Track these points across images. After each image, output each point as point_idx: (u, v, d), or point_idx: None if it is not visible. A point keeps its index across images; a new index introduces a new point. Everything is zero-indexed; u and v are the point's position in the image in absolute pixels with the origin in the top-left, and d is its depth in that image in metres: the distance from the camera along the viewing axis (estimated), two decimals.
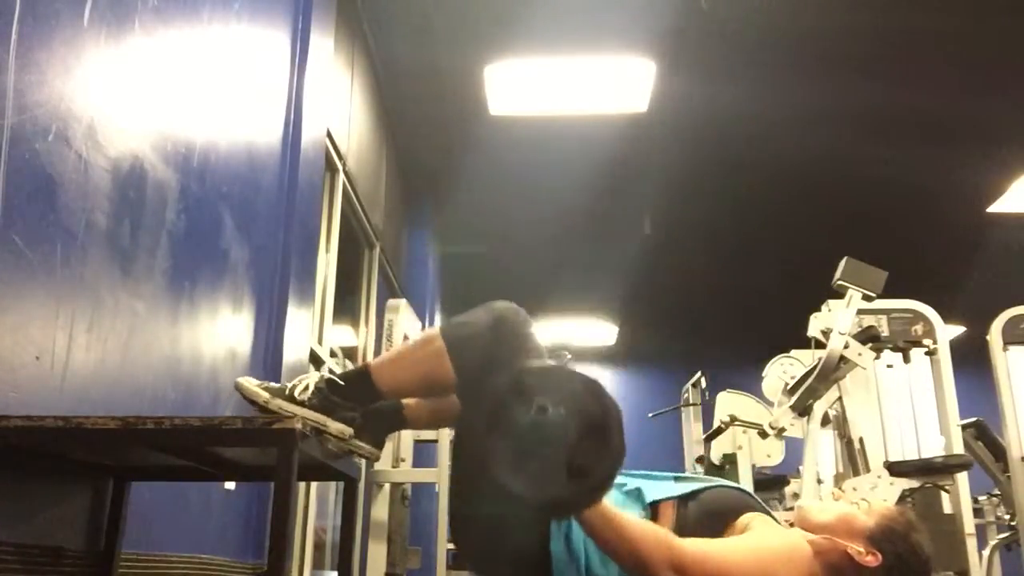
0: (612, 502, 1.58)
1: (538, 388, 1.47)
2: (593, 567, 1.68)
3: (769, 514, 1.74)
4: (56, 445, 1.62)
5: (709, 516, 1.70)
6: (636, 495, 1.75)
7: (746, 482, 4.71)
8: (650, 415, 6.86)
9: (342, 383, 1.78)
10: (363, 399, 1.81)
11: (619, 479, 1.59)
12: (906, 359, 4.38)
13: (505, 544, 1.72)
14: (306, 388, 1.76)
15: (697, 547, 1.56)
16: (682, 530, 1.64)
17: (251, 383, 1.79)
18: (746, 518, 1.69)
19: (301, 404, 1.75)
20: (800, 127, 5.66)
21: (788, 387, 4.06)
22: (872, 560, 1.62)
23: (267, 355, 2.96)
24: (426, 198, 6.86)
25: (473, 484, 1.69)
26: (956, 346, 4.51)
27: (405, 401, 1.95)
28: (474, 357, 1.70)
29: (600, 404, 1.48)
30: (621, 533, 1.53)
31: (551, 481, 1.43)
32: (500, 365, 1.63)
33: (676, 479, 1.82)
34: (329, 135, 3.93)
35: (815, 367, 3.77)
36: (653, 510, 1.73)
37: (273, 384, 1.80)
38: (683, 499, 1.74)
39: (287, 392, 1.76)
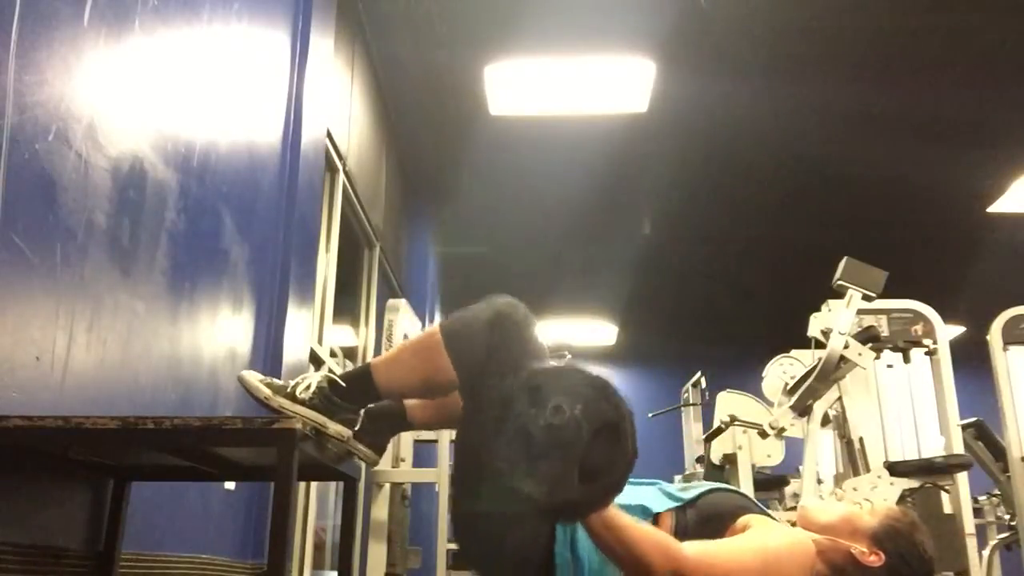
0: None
1: (551, 389, 1.45)
2: (595, 572, 1.68)
3: (767, 514, 1.74)
4: (56, 445, 1.62)
5: (708, 520, 1.70)
6: (639, 508, 1.73)
7: (746, 482, 4.71)
8: (650, 415, 6.85)
9: (344, 384, 1.77)
10: (365, 399, 1.81)
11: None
12: (906, 359, 4.38)
13: (509, 546, 1.71)
14: (308, 387, 1.75)
15: (699, 549, 1.56)
16: (683, 537, 1.64)
17: (254, 377, 1.77)
18: (744, 519, 1.69)
19: (303, 403, 1.74)
20: (800, 127, 5.66)
21: (788, 387, 4.06)
22: (875, 560, 1.62)
23: (267, 355, 2.96)
24: (426, 198, 6.86)
25: (478, 484, 1.67)
26: (956, 346, 4.51)
27: (407, 402, 1.94)
28: (474, 354, 1.67)
29: (614, 406, 1.46)
30: (623, 536, 1.53)
31: (562, 484, 1.42)
32: (501, 362, 1.61)
33: (665, 490, 1.80)
34: (329, 135, 3.93)
35: (815, 367, 3.77)
36: (653, 521, 1.72)
37: (276, 380, 1.79)
38: (681, 508, 1.74)
39: (289, 390, 1.75)
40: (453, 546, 4.71)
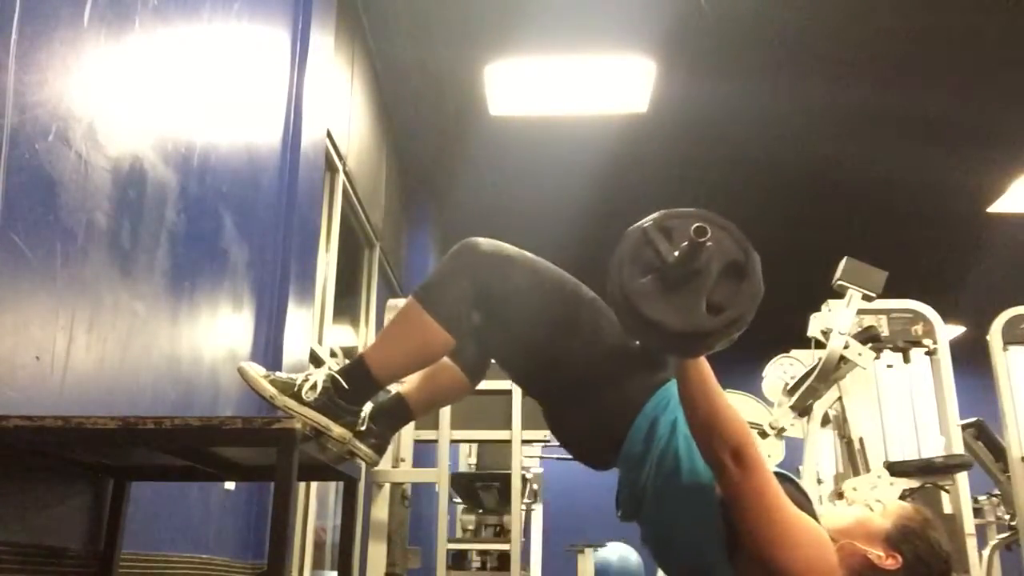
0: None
1: (681, 232, 1.47)
2: (653, 462, 1.69)
3: (814, 515, 1.72)
4: (56, 445, 1.62)
5: None
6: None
7: None
8: None
9: (347, 386, 1.75)
10: (366, 395, 1.79)
11: None
12: (906, 359, 4.38)
13: (598, 419, 1.75)
14: (313, 387, 1.73)
15: (763, 464, 1.56)
16: None
17: (257, 372, 1.74)
18: None
19: (308, 405, 1.72)
20: (800, 127, 5.66)
21: (788, 387, 4.06)
22: (892, 563, 1.62)
23: (267, 355, 2.96)
24: (426, 198, 6.86)
25: (569, 368, 1.74)
26: (956, 346, 4.51)
27: (403, 390, 1.94)
28: (459, 307, 1.73)
29: (744, 248, 1.48)
30: (714, 395, 1.54)
31: (692, 312, 1.43)
32: (502, 293, 1.72)
33: None
34: (329, 135, 3.93)
35: (815, 367, 3.77)
36: None
37: (279, 375, 1.76)
38: None
39: (295, 389, 1.73)
40: (453, 546, 4.71)
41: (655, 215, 1.55)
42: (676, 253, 1.45)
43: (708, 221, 1.47)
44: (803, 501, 1.70)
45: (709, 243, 1.42)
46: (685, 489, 1.66)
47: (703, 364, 1.55)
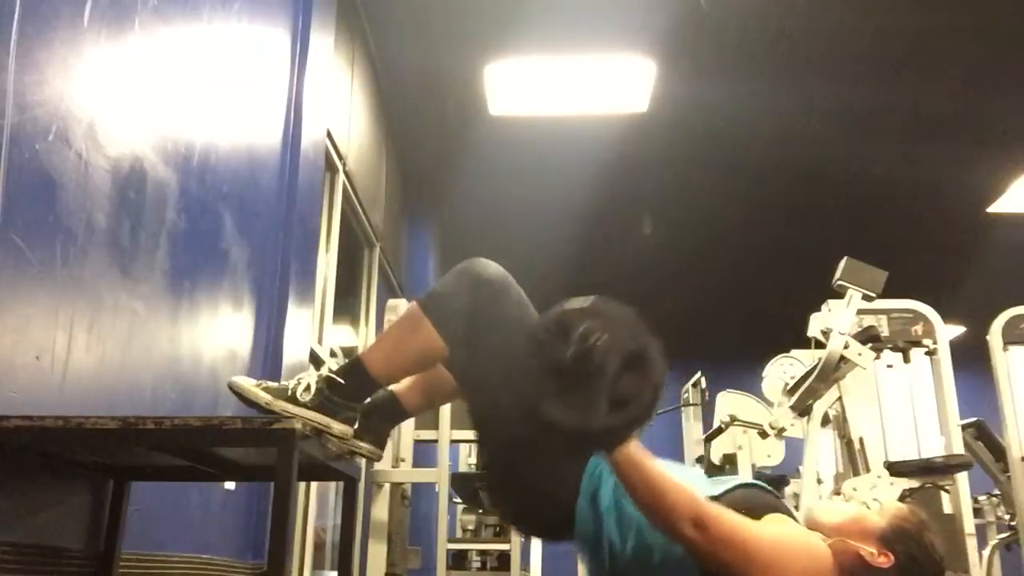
0: None
1: (579, 322, 1.48)
2: (612, 532, 1.69)
3: (793, 517, 1.73)
4: (56, 445, 1.62)
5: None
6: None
7: None
8: None
9: (341, 382, 1.77)
10: (363, 393, 1.81)
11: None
12: (906, 359, 4.38)
13: (535, 493, 1.75)
14: (307, 389, 1.75)
15: (723, 513, 1.56)
16: None
17: (248, 383, 1.77)
18: (769, 518, 1.68)
19: (304, 406, 1.73)
20: (800, 127, 5.66)
21: (788, 387, 4.05)
22: (884, 561, 1.62)
23: (267, 355, 2.96)
24: (426, 198, 6.86)
25: (504, 425, 1.72)
26: (956, 346, 4.51)
27: (397, 390, 1.95)
28: (457, 318, 1.74)
29: (640, 336, 1.49)
30: (651, 478, 1.54)
31: (592, 411, 1.44)
32: (489, 319, 1.71)
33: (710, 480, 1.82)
34: (329, 135, 3.93)
35: (815, 367, 3.77)
36: None
37: (272, 383, 1.78)
38: (710, 500, 1.73)
39: (289, 393, 1.75)
40: (453, 546, 4.72)
41: (551, 313, 1.54)
42: (571, 353, 1.45)
43: (600, 316, 1.48)
44: (773, 502, 1.73)
45: (600, 344, 1.44)
46: (657, 548, 1.65)
47: (631, 452, 1.53)
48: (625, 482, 1.56)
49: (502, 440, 1.76)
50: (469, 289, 1.76)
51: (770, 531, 1.60)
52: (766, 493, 1.78)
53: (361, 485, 4.18)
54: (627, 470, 1.54)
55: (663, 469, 1.58)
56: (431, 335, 1.75)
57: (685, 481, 1.60)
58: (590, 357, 1.44)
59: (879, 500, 1.76)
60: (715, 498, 1.72)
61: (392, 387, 1.97)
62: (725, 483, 1.78)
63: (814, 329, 3.89)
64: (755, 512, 1.69)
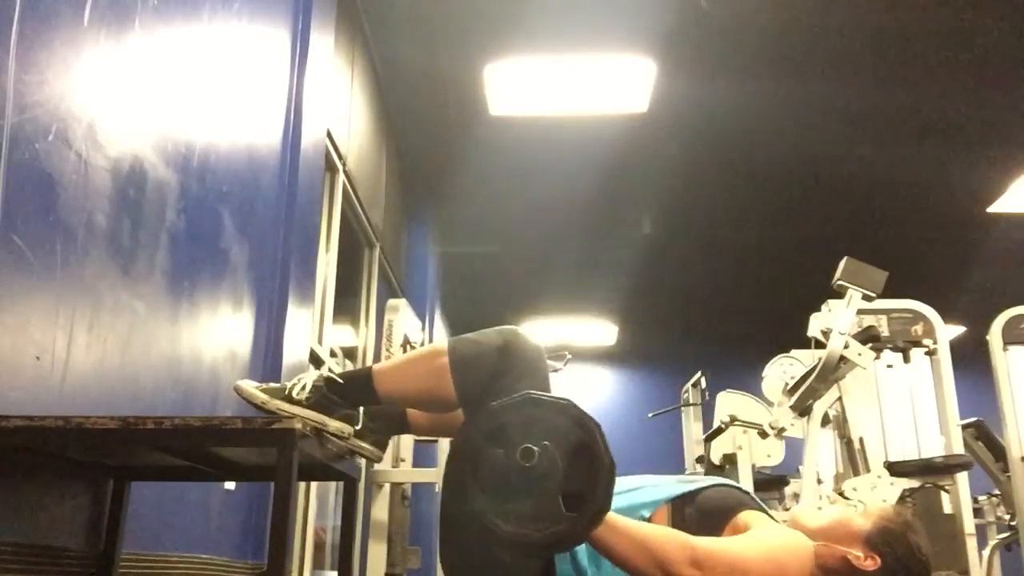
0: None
1: (514, 427, 1.43)
2: None
3: (765, 511, 1.74)
4: (56, 445, 1.62)
5: (707, 516, 1.69)
6: (628, 508, 1.70)
7: (746, 482, 4.71)
8: (650, 415, 6.85)
9: (341, 381, 1.77)
10: (363, 400, 1.81)
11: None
12: (906, 359, 4.38)
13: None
14: (304, 387, 1.76)
15: (712, 544, 1.56)
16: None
17: (249, 385, 1.78)
18: (744, 515, 1.68)
19: (299, 404, 1.74)
20: (800, 127, 5.66)
21: (788, 387, 4.05)
22: (871, 564, 1.62)
23: (267, 355, 2.96)
24: (426, 198, 6.86)
25: (465, 530, 1.60)
26: (956, 346, 4.51)
27: (407, 409, 1.95)
28: (477, 380, 1.65)
29: (580, 426, 1.44)
30: (634, 540, 1.51)
31: (550, 517, 1.39)
32: (503, 391, 1.58)
33: (656, 483, 1.79)
34: (329, 135, 3.93)
35: (815, 367, 3.77)
36: (649, 518, 1.70)
37: (272, 384, 1.79)
38: (679, 502, 1.72)
39: (286, 392, 1.76)
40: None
41: (481, 419, 1.49)
42: (514, 461, 1.41)
43: (537, 406, 1.44)
44: (745, 499, 1.73)
45: (540, 449, 1.39)
46: None
47: (605, 527, 1.48)
48: (610, 554, 1.53)
49: (466, 532, 1.61)
50: (501, 357, 1.66)
51: (762, 545, 1.60)
52: (735, 490, 1.79)
53: (361, 485, 4.18)
54: (608, 543, 1.51)
55: (639, 525, 1.55)
56: (446, 385, 1.69)
57: (664, 527, 1.57)
58: (535, 468, 1.39)
59: (863, 502, 1.76)
60: (687, 496, 1.72)
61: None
62: (695, 482, 1.78)
63: (814, 329, 3.89)
64: (730, 511, 1.69)
